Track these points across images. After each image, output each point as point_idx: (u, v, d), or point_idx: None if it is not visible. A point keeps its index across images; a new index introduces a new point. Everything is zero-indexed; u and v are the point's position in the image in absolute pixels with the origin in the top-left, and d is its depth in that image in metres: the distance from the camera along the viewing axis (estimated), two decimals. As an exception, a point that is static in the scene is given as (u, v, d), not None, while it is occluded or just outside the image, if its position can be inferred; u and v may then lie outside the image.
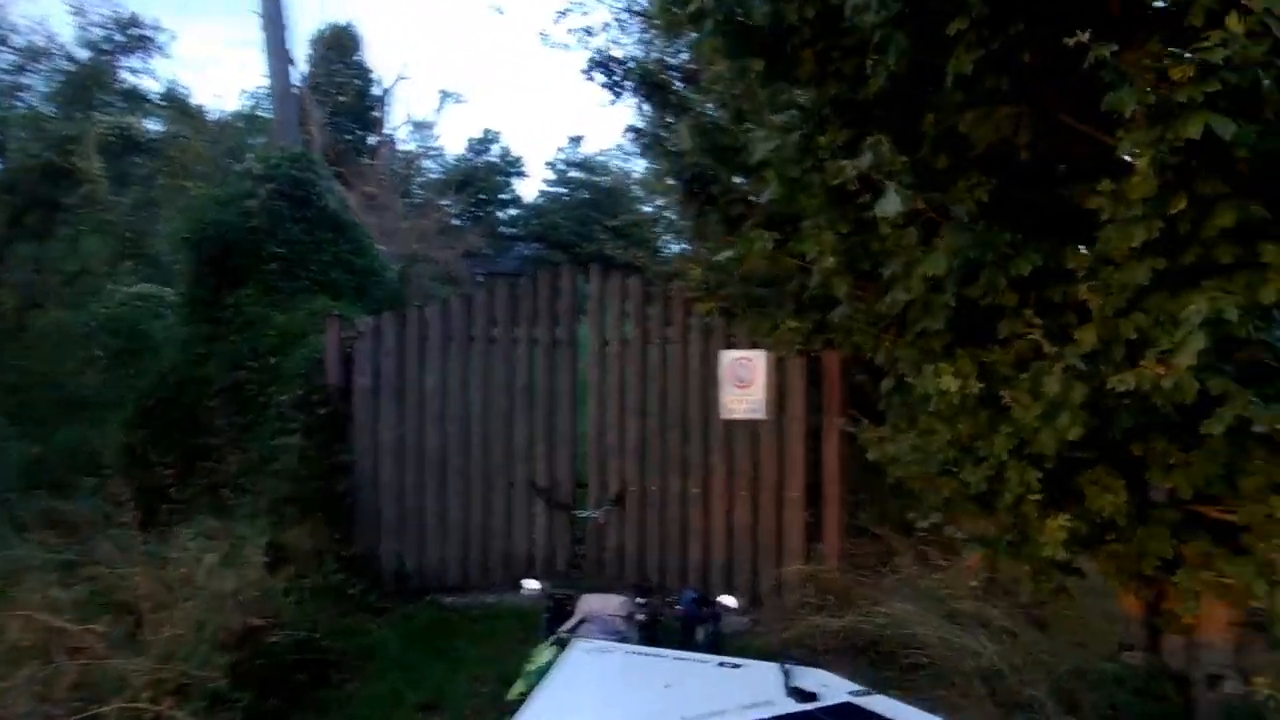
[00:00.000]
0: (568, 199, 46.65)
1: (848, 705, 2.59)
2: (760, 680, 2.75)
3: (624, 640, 3.74)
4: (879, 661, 5.84)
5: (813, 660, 6.00)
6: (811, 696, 2.62)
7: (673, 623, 4.82)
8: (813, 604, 6.66)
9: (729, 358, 7.18)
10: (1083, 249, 2.96)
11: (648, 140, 5.27)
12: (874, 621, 5.98)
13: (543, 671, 3.52)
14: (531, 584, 4.84)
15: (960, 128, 3.00)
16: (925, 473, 4.14)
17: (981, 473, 3.30)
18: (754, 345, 7.14)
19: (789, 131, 3.33)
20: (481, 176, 47.20)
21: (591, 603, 4.22)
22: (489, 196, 46.23)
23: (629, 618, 4.15)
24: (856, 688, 2.77)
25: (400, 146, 35.14)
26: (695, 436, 7.26)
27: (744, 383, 7.13)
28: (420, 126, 37.28)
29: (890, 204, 2.87)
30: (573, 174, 48.71)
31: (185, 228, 9.17)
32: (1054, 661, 4.81)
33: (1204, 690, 3.76)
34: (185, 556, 5.48)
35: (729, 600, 4.68)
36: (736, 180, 4.41)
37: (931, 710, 5.04)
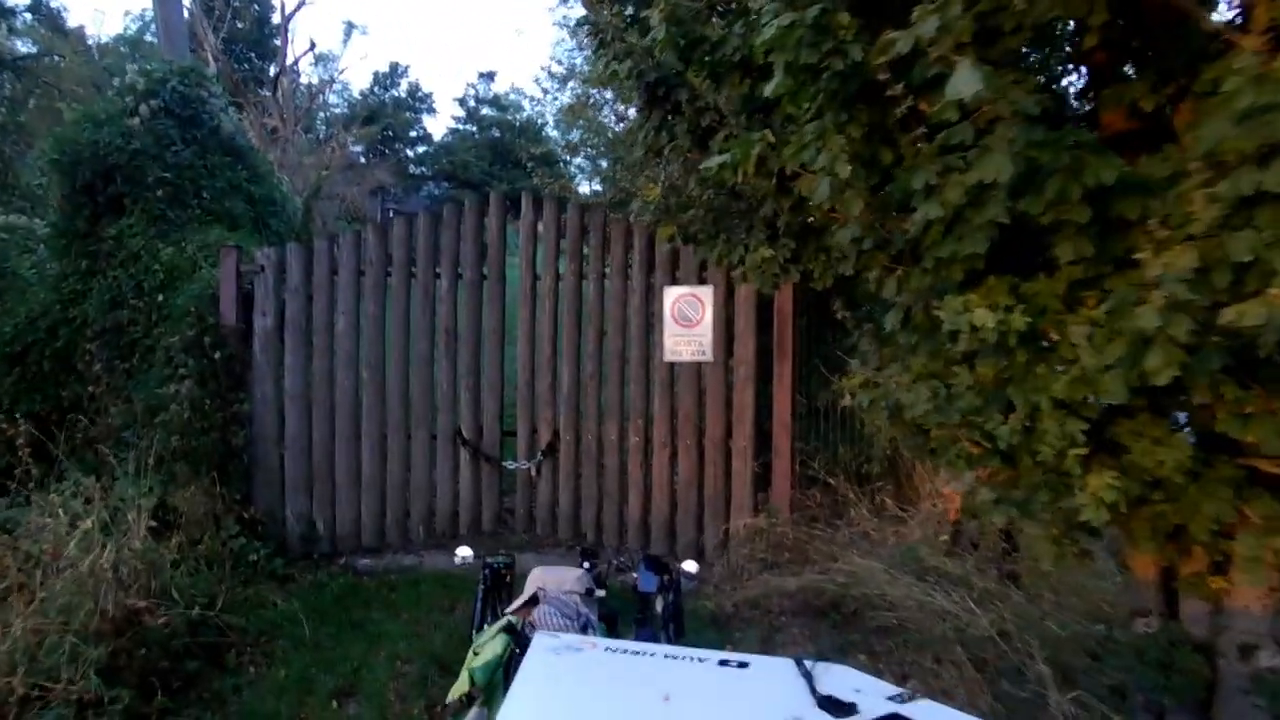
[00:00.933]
0: (478, 138, 45.21)
1: (894, 718, 2.04)
2: (778, 685, 2.18)
3: (586, 624, 3.14)
4: (843, 624, 5.40)
5: (772, 624, 5.56)
6: (849, 709, 2.05)
7: (618, 589, 4.28)
8: (763, 560, 6.19)
9: (673, 295, 6.57)
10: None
11: (606, 35, 4.55)
12: (835, 580, 5.52)
13: (493, 667, 2.91)
14: (465, 551, 4.22)
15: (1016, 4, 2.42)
16: (942, 422, 3.61)
17: (1014, 423, 2.79)
18: (701, 280, 6.54)
19: (803, 7, 2.70)
20: (388, 112, 45.36)
21: (545, 577, 3.60)
22: (396, 133, 44.48)
23: (588, 594, 3.56)
24: (894, 689, 2.21)
25: (302, 79, 33.32)
26: (635, 381, 6.67)
27: (689, 322, 6.54)
28: (323, 59, 35.45)
29: (966, 81, 2.27)
30: (484, 111, 47.17)
31: (55, 149, 8.09)
32: (1045, 627, 4.39)
33: (1233, 661, 3.35)
34: (54, 525, 4.67)
35: (690, 566, 4.14)
36: (705, 84, 3.79)
37: (910, 679, 4.60)
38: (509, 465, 6.81)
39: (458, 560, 4.19)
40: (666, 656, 2.41)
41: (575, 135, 11.58)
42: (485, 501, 6.83)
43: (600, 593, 3.63)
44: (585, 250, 6.76)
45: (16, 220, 11.35)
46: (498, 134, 44.16)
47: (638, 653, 2.45)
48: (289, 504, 6.57)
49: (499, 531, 6.92)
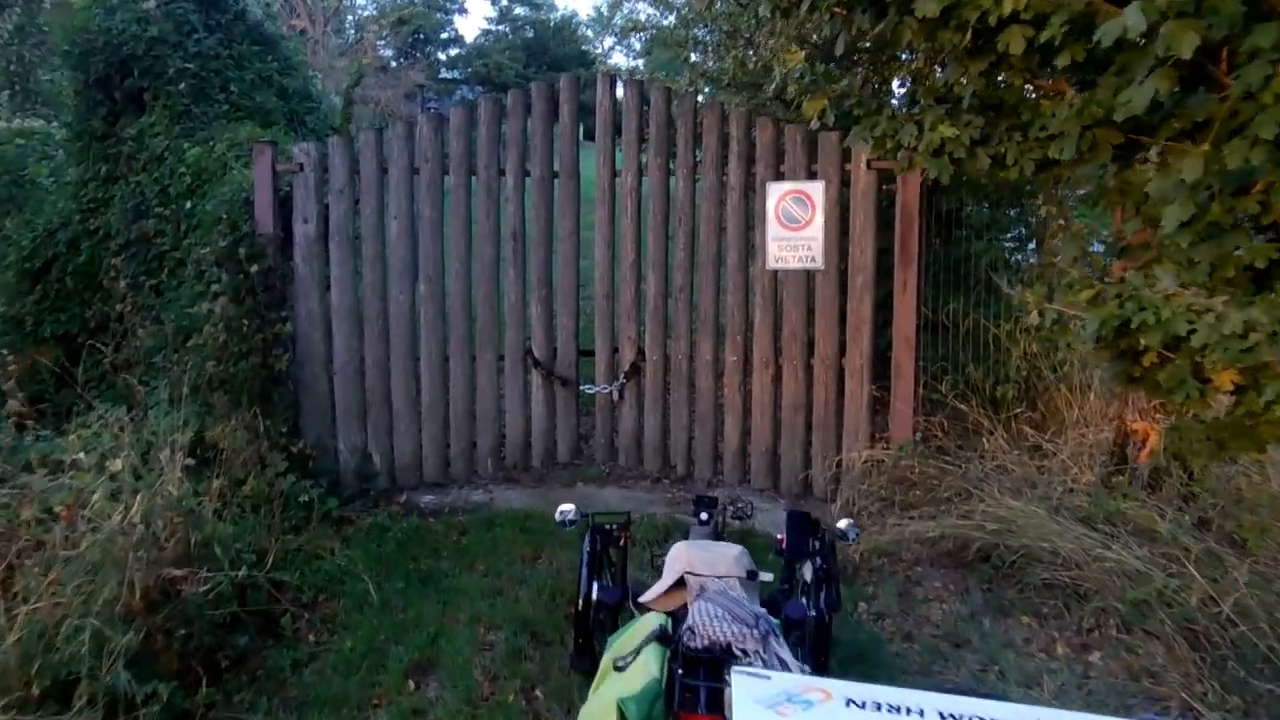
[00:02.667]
0: (511, 38, 43.63)
1: None
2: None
3: (767, 631, 2.30)
4: (997, 579, 4.57)
5: (908, 576, 4.74)
6: None
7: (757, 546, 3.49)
8: (884, 498, 5.36)
9: (777, 191, 5.62)
10: None
11: None
12: (983, 526, 4.68)
13: (651, 698, 2.10)
14: (567, 507, 3.42)
15: None
16: (1163, 337, 2.72)
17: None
18: (810, 175, 5.58)
19: None
20: (419, 14, 43.81)
21: (691, 556, 2.79)
22: (427, 36, 42.95)
23: (750, 577, 2.74)
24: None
25: (328, -22, 31.86)
26: (732, 292, 5.77)
27: (796, 223, 5.60)
28: (350, -43, 33.88)
29: None
30: (517, 10, 45.50)
31: (66, 40, 7.20)
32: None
33: None
34: (76, 473, 3.92)
35: (846, 525, 3.31)
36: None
37: (1107, 654, 3.76)
38: (587, 389, 5.99)
39: (559, 518, 3.39)
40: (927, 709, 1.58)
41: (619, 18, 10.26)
42: (560, 429, 6.04)
43: (766, 577, 2.81)
44: (673, 137, 5.80)
45: (33, 124, 10.54)
46: (532, 33, 42.55)
47: (898, 710, 1.62)
48: (341, 435, 5.82)
49: (576, 462, 6.14)
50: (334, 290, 5.73)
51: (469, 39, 44.62)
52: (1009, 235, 6.97)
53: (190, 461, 4.86)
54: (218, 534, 4.20)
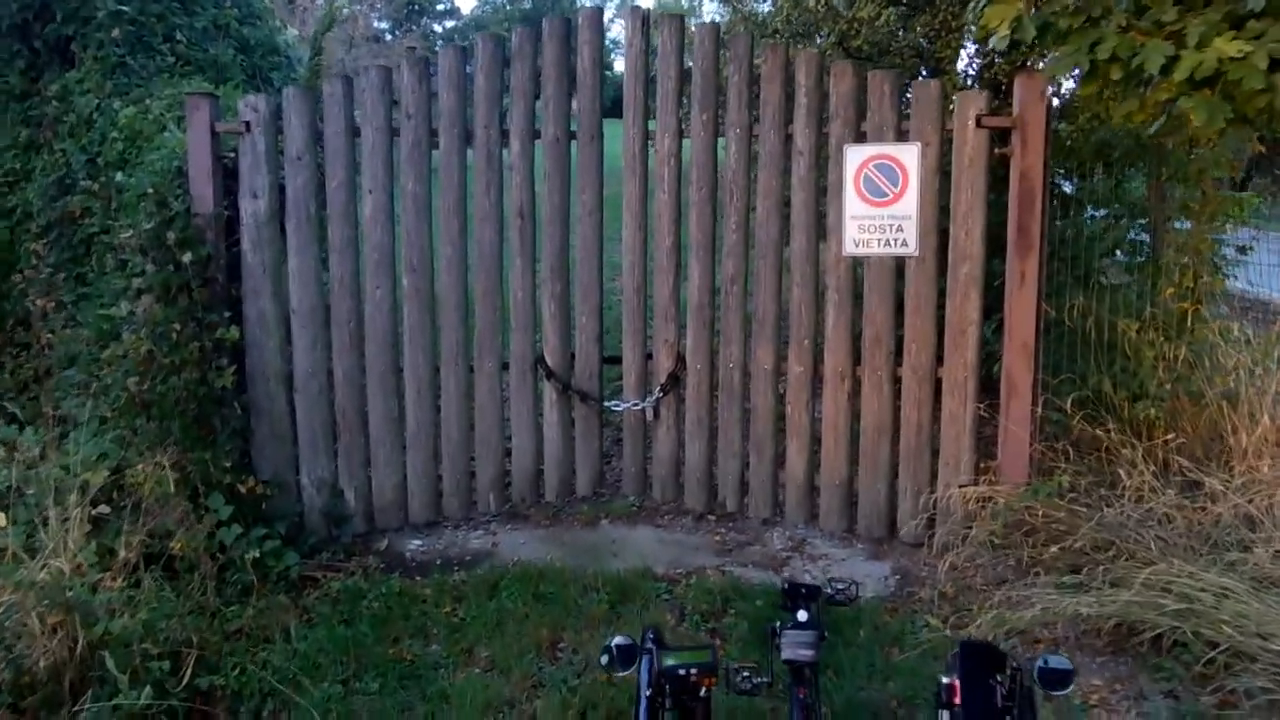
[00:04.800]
0: (510, 9, 42.22)
1: None
2: None
3: None
4: (1185, 681, 3.37)
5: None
6: None
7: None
8: (995, 549, 4.18)
9: (858, 157, 4.40)
10: None
11: None
12: (1159, 605, 3.47)
13: None
14: (619, 641, 2.25)
15: None
16: None
17: None
18: (901, 135, 4.35)
19: None
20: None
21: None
22: (422, 7, 41.54)
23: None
24: None
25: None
26: (799, 285, 4.56)
27: (883, 198, 4.38)
28: (341, -78, 32.42)
29: None
30: (516, -20, 44.06)
31: (-24, -22, 5.96)
32: None
33: None
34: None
35: (1055, 662, 2.13)
36: None
37: None
38: (613, 406, 4.79)
39: (604, 659, 2.20)
40: None
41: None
42: (580, 455, 4.84)
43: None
44: (724, 91, 4.58)
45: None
46: (530, 3, 41.14)
47: None
48: (304, 468, 4.62)
49: (599, 495, 4.96)
50: (293, 285, 4.51)
51: (465, 11, 43.24)
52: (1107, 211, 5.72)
53: (105, 510, 3.73)
54: (115, 633, 3.00)
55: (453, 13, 42.90)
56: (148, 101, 5.50)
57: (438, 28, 41.84)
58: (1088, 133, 5.35)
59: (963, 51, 6.38)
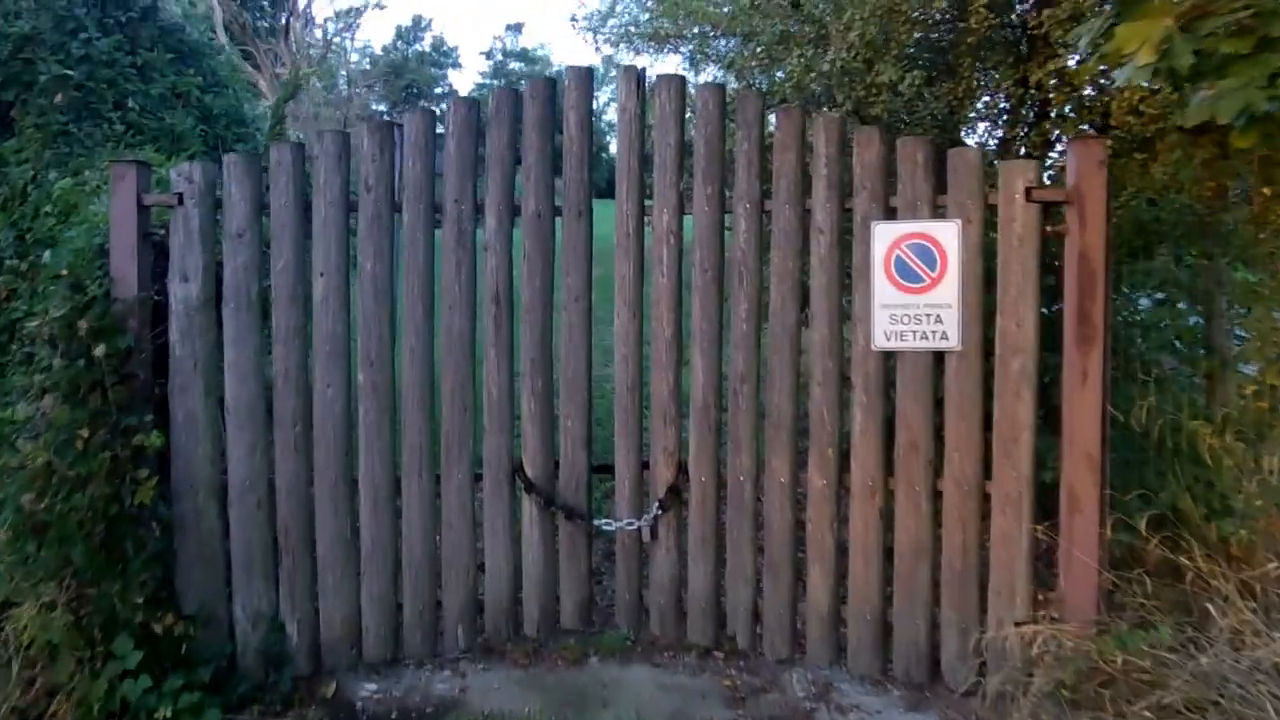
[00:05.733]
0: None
1: None
2: None
3: None
4: None
5: None
6: None
7: None
8: (1062, 702, 3.45)
9: (889, 236, 3.79)
10: None
11: None
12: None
13: None
14: None
15: None
16: None
17: None
18: (937, 210, 3.75)
19: None
20: (412, 68, 42.81)
21: None
22: (420, 90, 41.89)
23: None
24: None
25: (316, 31, 30.61)
26: (821, 383, 3.91)
27: (919, 283, 3.77)
28: (343, 15, 32.67)
29: None
30: (512, 65, 44.54)
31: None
32: None
33: None
34: None
35: None
36: None
37: None
38: (604, 525, 4.09)
39: None
40: None
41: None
42: (565, 580, 4.13)
43: None
44: (734, 159, 3.99)
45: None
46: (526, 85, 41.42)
47: None
48: (238, 597, 3.90)
49: (588, 629, 4.23)
50: (229, 380, 3.86)
51: (463, 93, 43.52)
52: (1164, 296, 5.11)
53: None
54: None
55: (451, 95, 43.21)
56: (86, 173, 4.92)
57: (436, 109, 42.16)
58: (1133, 208, 4.79)
59: (981, 124, 5.89)
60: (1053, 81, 4.74)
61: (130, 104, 5.63)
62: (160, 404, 3.82)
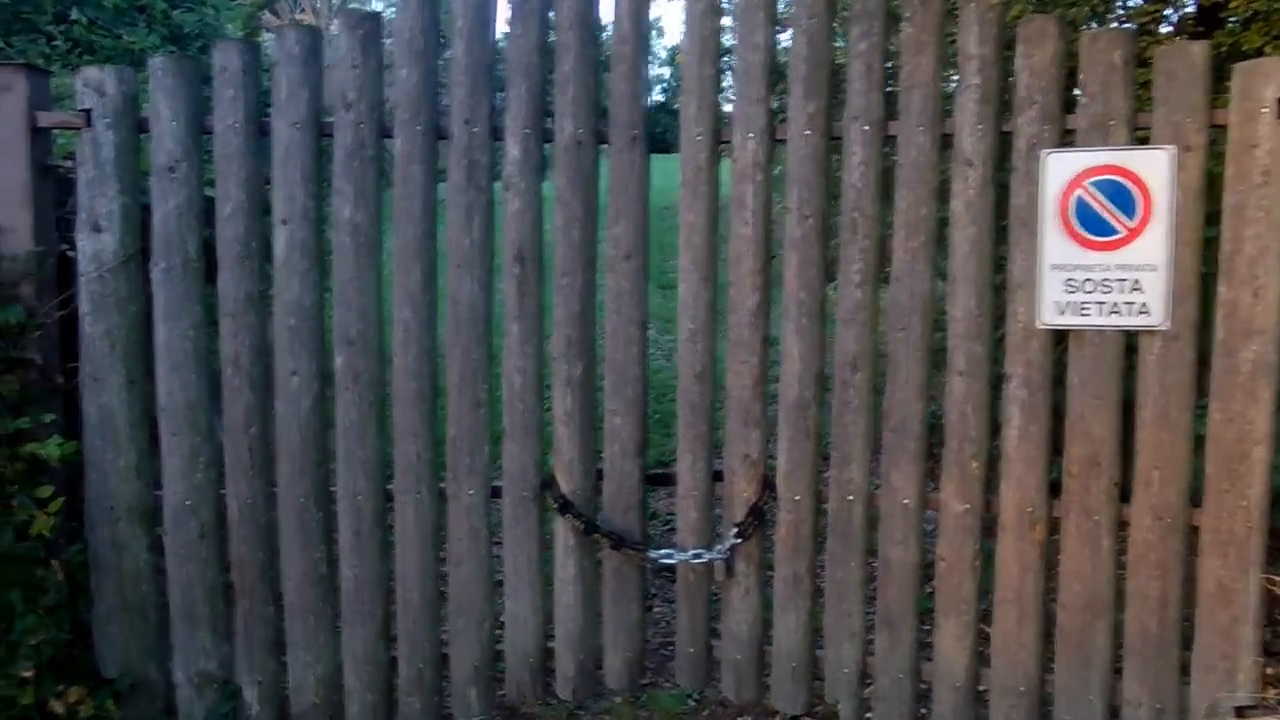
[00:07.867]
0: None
1: None
2: None
3: None
4: None
5: None
6: None
7: None
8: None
9: (1068, 168, 2.72)
10: None
11: None
12: None
13: None
14: None
15: None
16: None
17: None
18: (1138, 135, 2.68)
19: None
20: (445, 8, 41.64)
21: None
22: (444, 40, 40.62)
23: None
24: None
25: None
26: (961, 373, 2.87)
27: (1109, 234, 2.71)
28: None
29: None
30: None
31: None
32: None
33: None
34: None
35: None
36: None
37: None
38: (663, 557, 3.08)
39: None
40: None
41: None
42: (611, 628, 3.14)
43: None
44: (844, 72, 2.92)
45: None
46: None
47: None
48: (179, 655, 2.94)
49: (641, 691, 3.24)
50: (161, 367, 2.87)
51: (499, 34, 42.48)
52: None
53: None
54: None
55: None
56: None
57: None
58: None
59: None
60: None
61: (75, 16, 4.62)
62: (67, 399, 2.84)
